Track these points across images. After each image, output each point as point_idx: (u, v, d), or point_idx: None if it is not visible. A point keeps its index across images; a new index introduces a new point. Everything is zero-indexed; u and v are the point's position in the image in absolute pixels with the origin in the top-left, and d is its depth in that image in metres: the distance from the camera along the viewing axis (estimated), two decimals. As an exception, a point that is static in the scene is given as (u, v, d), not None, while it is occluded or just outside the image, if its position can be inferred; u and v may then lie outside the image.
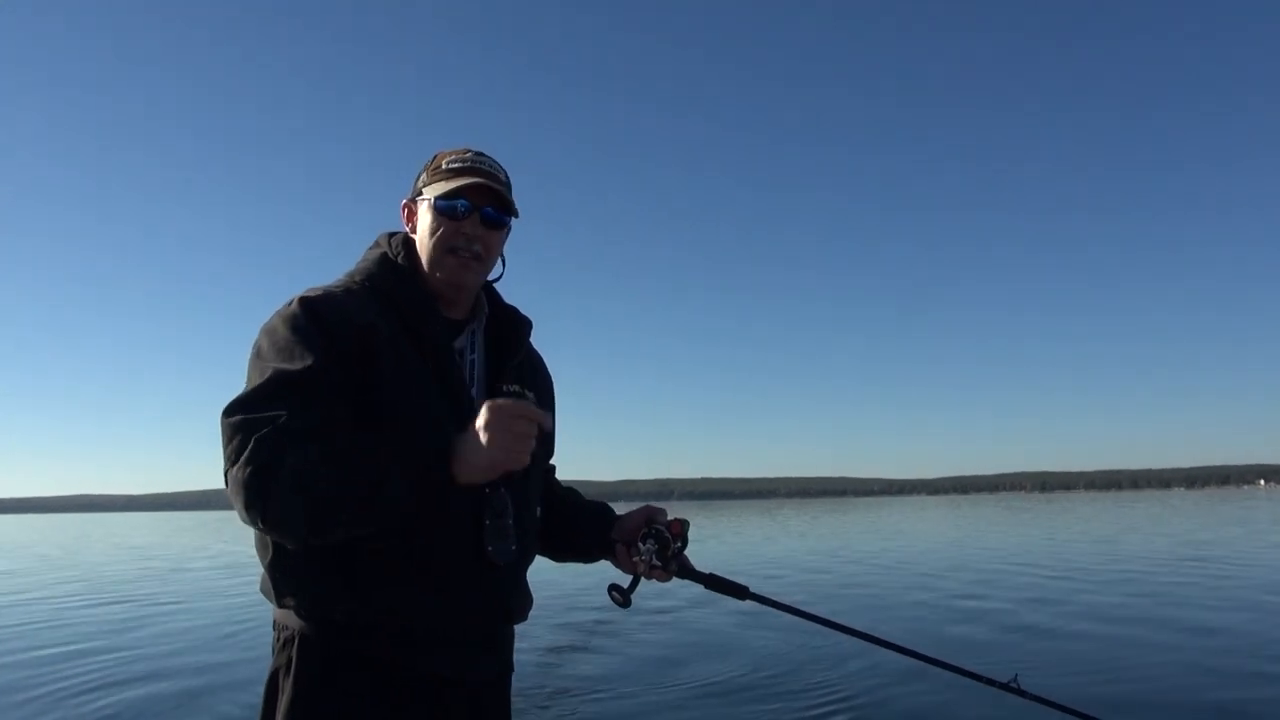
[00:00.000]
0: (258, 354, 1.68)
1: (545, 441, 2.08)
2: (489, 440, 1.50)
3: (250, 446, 1.53)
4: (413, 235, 1.89)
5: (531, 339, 2.04)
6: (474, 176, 1.82)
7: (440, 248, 1.82)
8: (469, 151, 1.88)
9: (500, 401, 1.53)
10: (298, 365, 1.62)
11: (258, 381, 1.63)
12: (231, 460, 1.56)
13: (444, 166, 1.85)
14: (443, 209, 1.81)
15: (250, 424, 1.56)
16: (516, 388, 1.88)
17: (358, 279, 1.82)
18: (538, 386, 2.01)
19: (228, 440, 1.57)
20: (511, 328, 1.97)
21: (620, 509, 2.10)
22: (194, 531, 51.90)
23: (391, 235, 1.92)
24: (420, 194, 1.87)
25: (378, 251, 1.89)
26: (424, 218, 1.85)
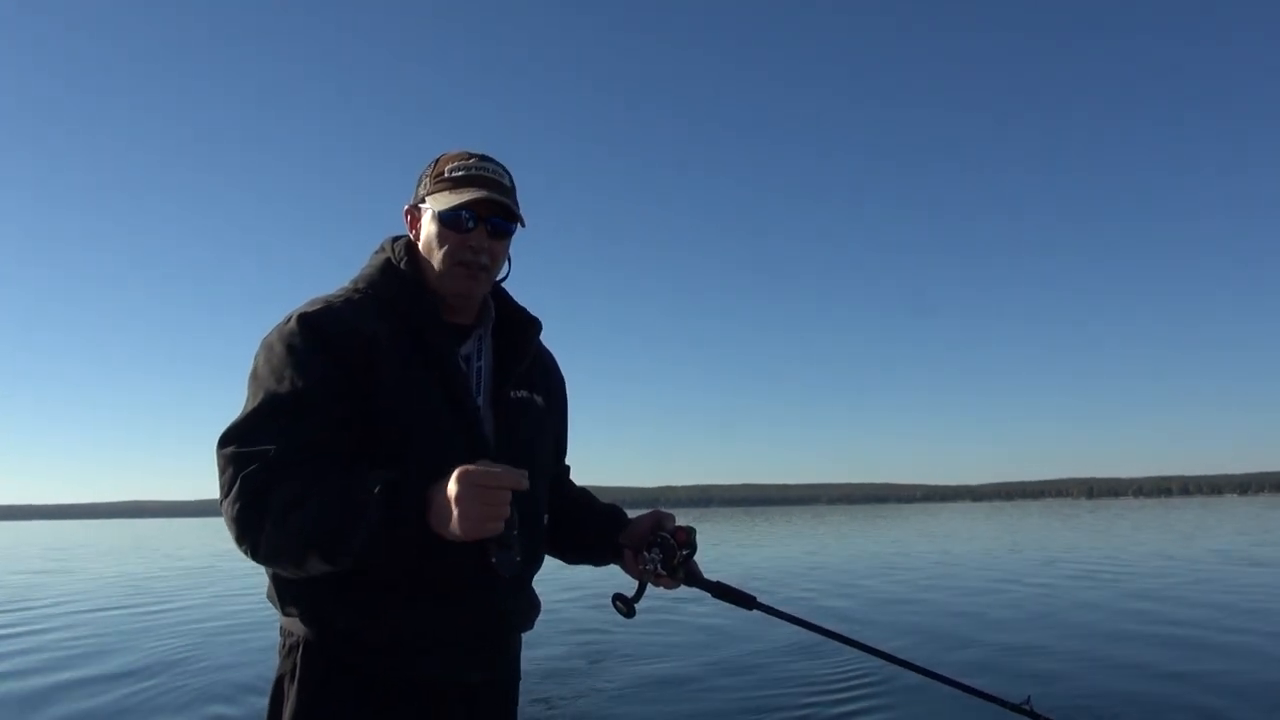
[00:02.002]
0: (254, 374, 1.69)
1: (556, 445, 2.07)
2: (459, 513, 1.45)
3: (238, 483, 1.56)
4: (417, 241, 1.87)
5: (544, 339, 2.02)
6: (478, 188, 1.78)
7: (447, 260, 1.80)
8: (472, 157, 1.84)
9: (471, 470, 1.46)
10: (291, 387, 1.63)
11: (250, 407, 1.64)
12: (223, 494, 1.58)
13: (447, 174, 1.81)
14: (448, 221, 1.79)
15: (239, 458, 1.58)
16: (524, 393, 1.91)
17: (360, 286, 1.81)
18: (549, 388, 2.00)
19: (220, 473, 1.60)
20: (519, 329, 1.95)
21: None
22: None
23: (395, 239, 1.90)
24: (423, 201, 1.83)
25: (381, 257, 1.87)
26: (429, 228, 1.82)
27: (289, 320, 1.71)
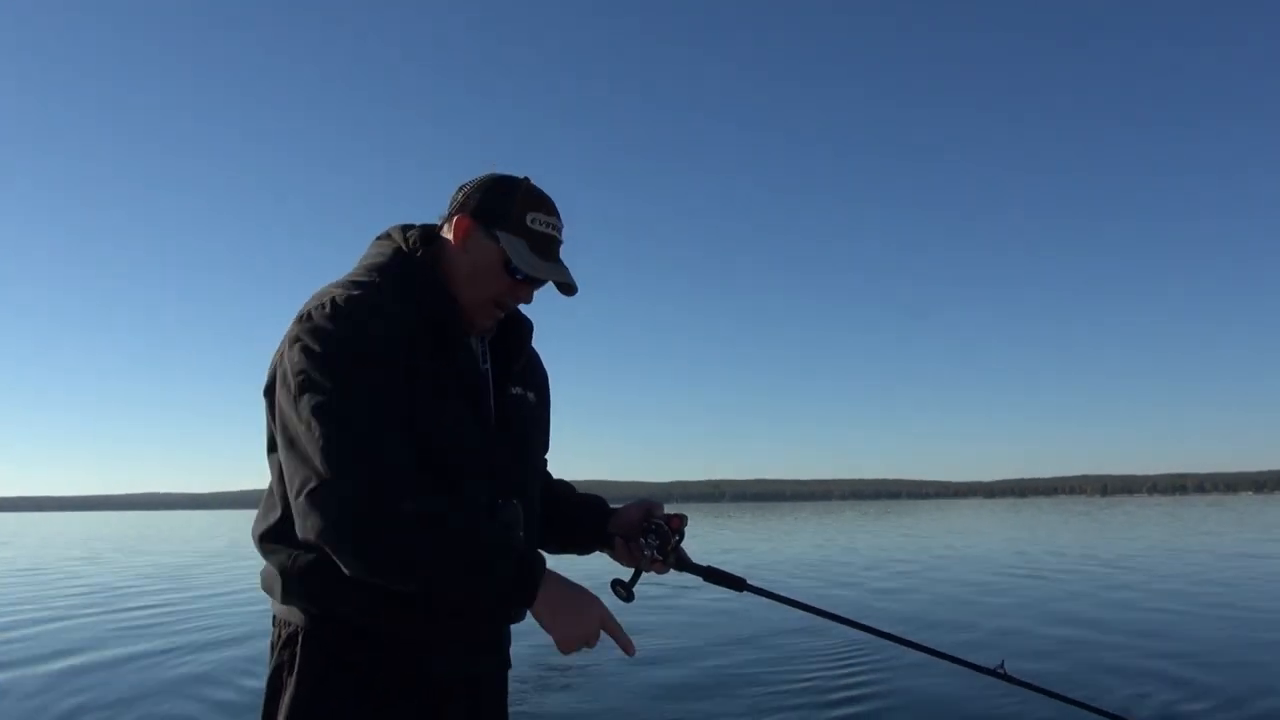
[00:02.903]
0: (327, 359, 1.61)
1: (542, 437, 2.11)
2: (573, 631, 1.61)
3: (369, 486, 1.52)
4: (452, 242, 1.82)
5: (555, 338, 2.12)
6: (559, 265, 1.83)
7: (486, 296, 1.81)
8: (552, 213, 1.83)
9: (609, 622, 1.64)
10: (380, 376, 1.61)
11: (345, 395, 1.58)
12: (326, 475, 1.53)
13: (531, 226, 1.79)
14: (516, 274, 1.79)
15: (358, 443, 1.55)
16: (519, 390, 1.95)
17: (375, 277, 1.77)
18: (538, 386, 2.06)
19: (322, 447, 1.54)
20: (513, 329, 1.97)
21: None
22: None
23: (406, 229, 1.87)
24: (494, 229, 1.79)
25: (390, 244, 1.84)
26: (486, 255, 1.79)
27: (343, 305, 1.65)
